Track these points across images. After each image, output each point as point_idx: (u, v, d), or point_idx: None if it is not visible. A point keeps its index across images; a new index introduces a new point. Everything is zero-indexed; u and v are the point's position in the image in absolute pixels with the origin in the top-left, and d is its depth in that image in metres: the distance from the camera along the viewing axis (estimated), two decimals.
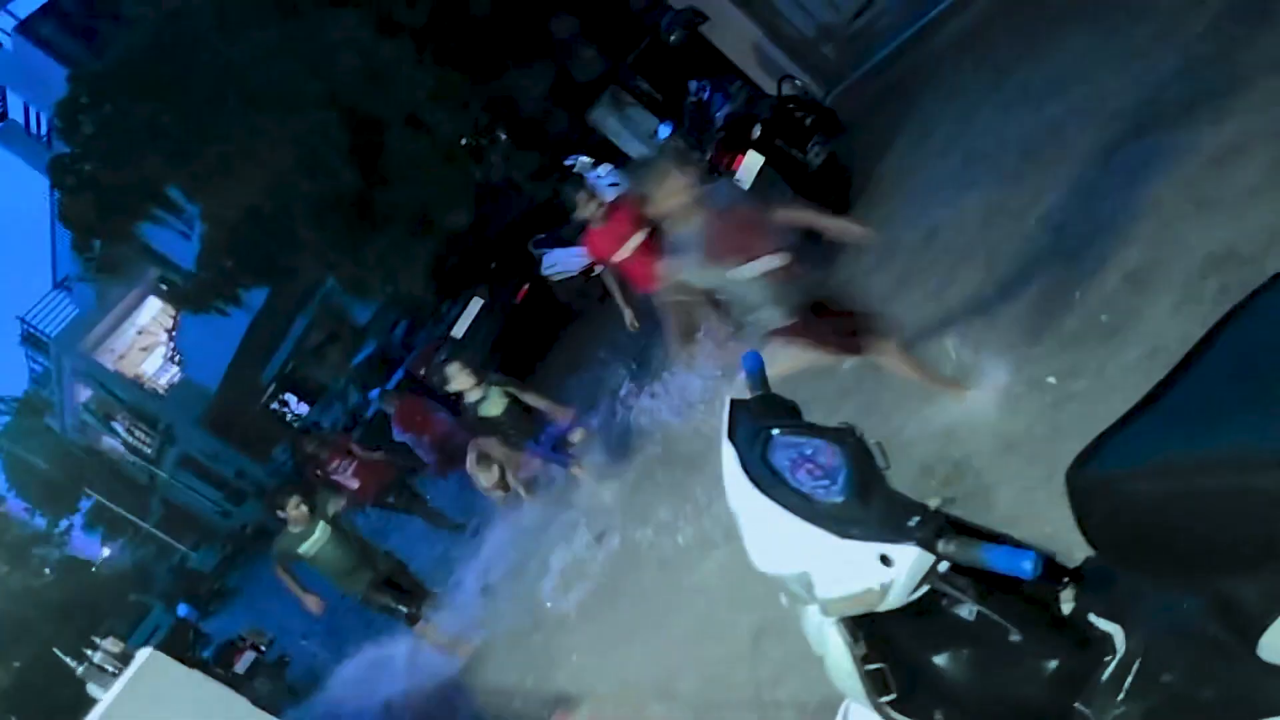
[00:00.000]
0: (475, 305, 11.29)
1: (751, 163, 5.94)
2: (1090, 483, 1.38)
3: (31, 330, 27.31)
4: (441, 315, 11.37)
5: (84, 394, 29.24)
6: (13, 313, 39.16)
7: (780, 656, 3.35)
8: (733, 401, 1.69)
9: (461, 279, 11.50)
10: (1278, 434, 1.18)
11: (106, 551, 34.91)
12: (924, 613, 1.54)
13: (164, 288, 25.16)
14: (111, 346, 27.86)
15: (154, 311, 28.31)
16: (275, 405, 28.88)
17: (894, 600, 1.44)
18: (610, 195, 9.76)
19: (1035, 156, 4.69)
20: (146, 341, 28.54)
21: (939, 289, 4.56)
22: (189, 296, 13.27)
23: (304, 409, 27.84)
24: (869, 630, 1.56)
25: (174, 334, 25.35)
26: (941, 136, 5.94)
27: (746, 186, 6.03)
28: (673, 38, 7.00)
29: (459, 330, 11.15)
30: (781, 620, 3.66)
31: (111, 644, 3.46)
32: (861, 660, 1.56)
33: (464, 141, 11.42)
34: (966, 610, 1.53)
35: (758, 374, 1.80)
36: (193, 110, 10.13)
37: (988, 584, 1.51)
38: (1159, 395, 1.39)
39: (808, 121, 6.49)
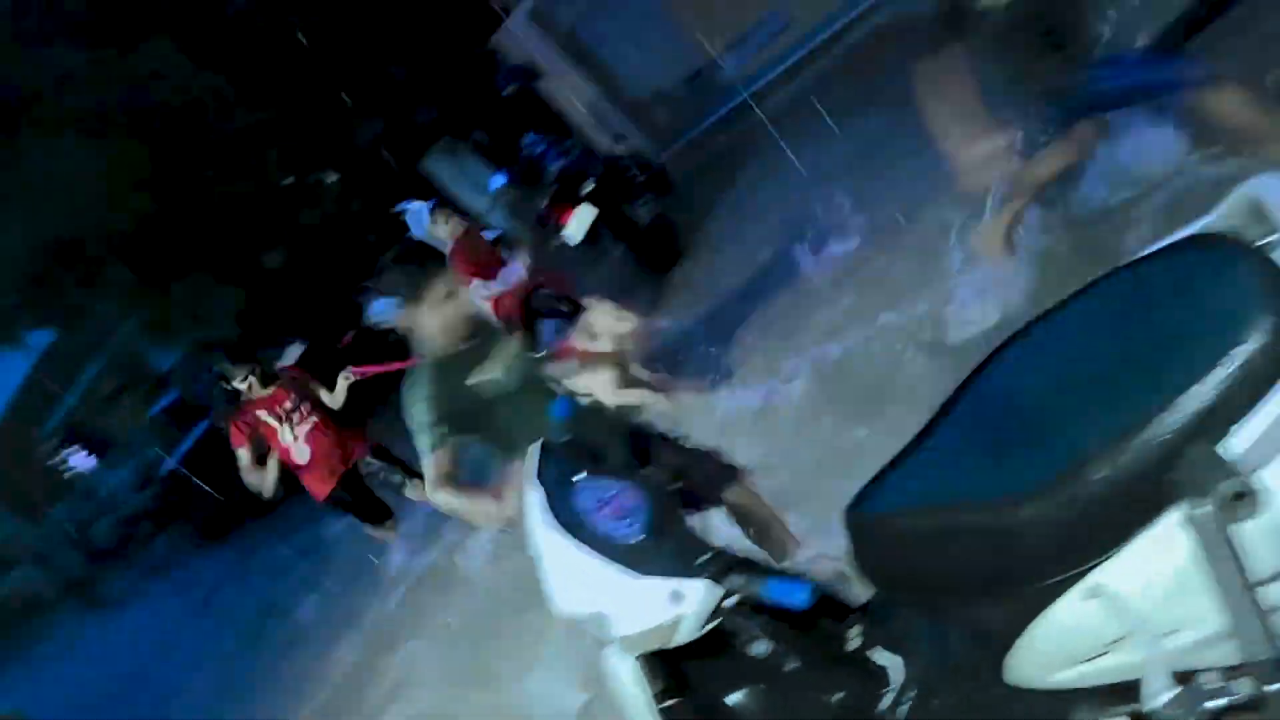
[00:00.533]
0: (294, 352, 10.79)
1: (583, 216, 6.02)
2: (863, 522, 1.52)
3: None
4: (258, 362, 10.74)
5: None
6: None
7: None
8: (543, 444, 1.73)
9: (281, 325, 10.97)
10: (1006, 479, 1.31)
11: None
12: (719, 651, 1.59)
13: None
14: None
15: None
16: (55, 460, 26.25)
17: (684, 635, 1.48)
18: (443, 245, 9.67)
19: (842, 219, 4.99)
20: None
21: (757, 336, 4.75)
22: None
23: (91, 463, 25.48)
24: (665, 669, 1.60)
25: None
26: (763, 200, 6.24)
27: (577, 240, 6.10)
28: (505, 91, 7.05)
29: None
30: None
31: None
32: (657, 697, 1.59)
33: (286, 180, 11.00)
34: (760, 647, 1.58)
35: (565, 420, 1.84)
36: None
37: (779, 621, 1.57)
38: (920, 442, 1.55)
39: (639, 180, 6.67)
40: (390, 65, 11.85)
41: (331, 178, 11.56)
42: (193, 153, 9.83)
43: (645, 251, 6.27)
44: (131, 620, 12.57)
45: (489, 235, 8.12)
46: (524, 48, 8.13)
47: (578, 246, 6.26)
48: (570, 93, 8.39)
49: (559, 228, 6.14)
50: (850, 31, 7.04)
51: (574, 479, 1.63)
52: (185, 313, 10.19)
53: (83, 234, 9.81)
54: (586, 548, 1.51)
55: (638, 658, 1.58)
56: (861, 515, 1.55)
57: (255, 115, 9.82)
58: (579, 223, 6.01)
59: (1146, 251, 1.34)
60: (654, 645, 1.50)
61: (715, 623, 1.49)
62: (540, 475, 1.65)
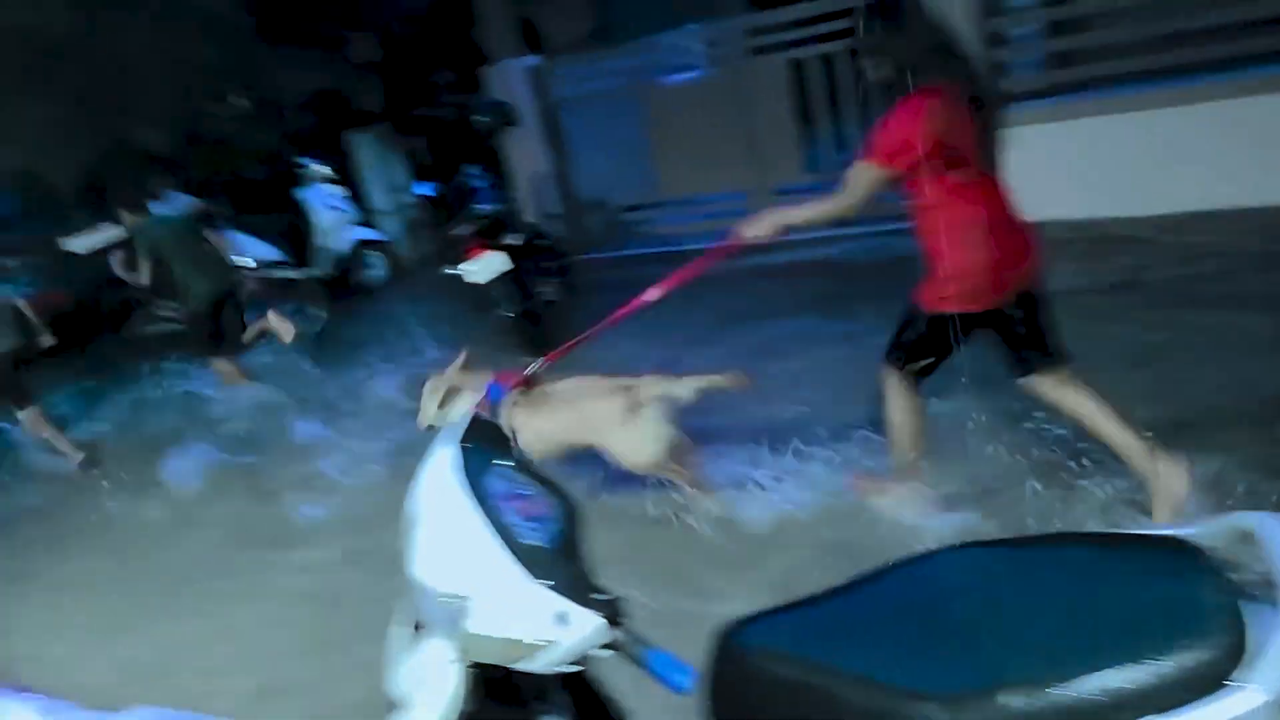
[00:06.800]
0: (114, 234, 9.83)
1: (494, 263, 5.93)
2: (736, 650, 1.48)
3: None
4: (70, 221, 9.70)
5: None
6: None
7: None
8: (476, 415, 1.62)
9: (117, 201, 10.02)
10: (914, 668, 1.32)
11: None
12: (521, 704, 1.50)
13: None
14: None
15: None
16: None
17: (542, 663, 1.35)
18: (328, 216, 9.25)
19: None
20: None
21: None
22: None
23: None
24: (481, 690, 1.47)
25: None
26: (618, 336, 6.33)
27: (478, 280, 5.98)
28: (480, 118, 7.00)
29: (76, 245, 9.57)
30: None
31: None
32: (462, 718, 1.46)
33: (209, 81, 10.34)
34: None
35: (498, 404, 1.76)
36: None
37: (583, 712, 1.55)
38: (830, 596, 1.54)
39: (548, 263, 6.69)
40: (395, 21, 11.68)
41: (245, 103, 10.97)
42: None
43: (527, 326, 6.19)
44: None
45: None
46: (507, 93, 8.16)
47: (460, 284, 6.13)
48: (527, 155, 8.43)
49: (461, 259, 6.01)
50: (794, 249, 7.49)
51: (495, 460, 1.51)
52: (26, 132, 9.15)
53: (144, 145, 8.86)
54: (487, 525, 1.37)
55: (467, 665, 1.44)
56: (738, 643, 1.50)
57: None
58: (487, 267, 5.91)
59: (1137, 530, 1.43)
60: (499, 658, 1.36)
61: (575, 668, 1.38)
62: (463, 440, 1.52)
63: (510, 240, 6.06)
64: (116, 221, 9.58)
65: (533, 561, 1.35)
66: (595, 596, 1.35)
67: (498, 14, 8.24)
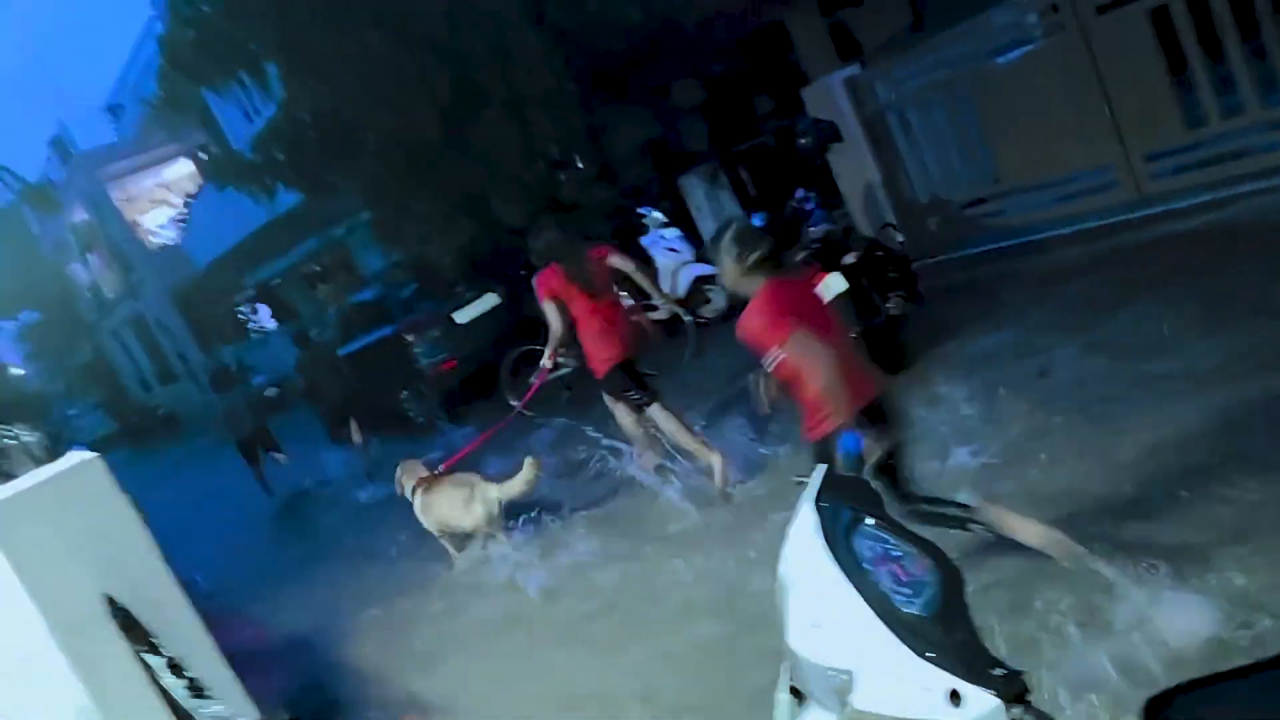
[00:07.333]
0: (488, 301, 11.10)
1: (833, 284, 5.79)
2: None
3: (64, 136, 26.91)
4: (454, 296, 11.14)
5: (78, 215, 28.66)
6: (57, 113, 38.65)
7: None
8: (827, 470, 1.51)
9: (487, 272, 11.32)
10: None
11: (20, 371, 33.78)
12: None
13: (203, 156, 24.90)
14: (125, 185, 27.46)
15: (182, 173, 27.97)
16: (245, 309, 28.25)
17: None
18: (666, 259, 9.69)
19: (1113, 399, 4.53)
20: (160, 196, 28.14)
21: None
22: (225, 169, 12.99)
23: (271, 324, 27.29)
24: None
25: (189, 202, 24.97)
26: (1015, 346, 5.80)
27: None
28: (803, 140, 6.93)
29: (462, 317, 10.92)
30: None
31: (36, 438, 3.09)
32: None
33: (551, 151, 11.34)
34: None
35: (855, 454, 1.64)
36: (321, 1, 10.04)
37: None
38: (1266, 668, 1.33)
39: (891, 275, 6.39)
40: (683, 82, 12.10)
41: (581, 165, 11.84)
42: (484, 88, 10.26)
43: (878, 345, 5.95)
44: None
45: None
46: (828, 109, 8.01)
47: None
48: (855, 168, 8.20)
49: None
50: (1162, 222, 6.52)
51: (861, 520, 1.40)
52: (418, 227, 10.62)
53: (363, 121, 10.41)
54: (859, 596, 1.27)
55: None
56: (1175, 712, 1.29)
57: (552, 76, 10.13)
58: (826, 289, 5.78)
59: None
60: None
61: None
62: (817, 500, 1.42)
63: (849, 259, 5.87)
64: (493, 292, 10.81)
65: (915, 633, 1.24)
66: (992, 672, 1.21)
67: (810, 31, 8.16)
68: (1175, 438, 3.93)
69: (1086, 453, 4.15)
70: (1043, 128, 7.22)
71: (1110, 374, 4.85)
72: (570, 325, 5.56)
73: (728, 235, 3.30)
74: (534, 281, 5.69)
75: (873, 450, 2.86)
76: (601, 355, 5.51)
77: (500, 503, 5.77)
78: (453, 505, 5.90)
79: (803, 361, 2.82)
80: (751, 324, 3.11)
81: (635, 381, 5.54)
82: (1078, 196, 7.34)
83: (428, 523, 6.08)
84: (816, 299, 3.49)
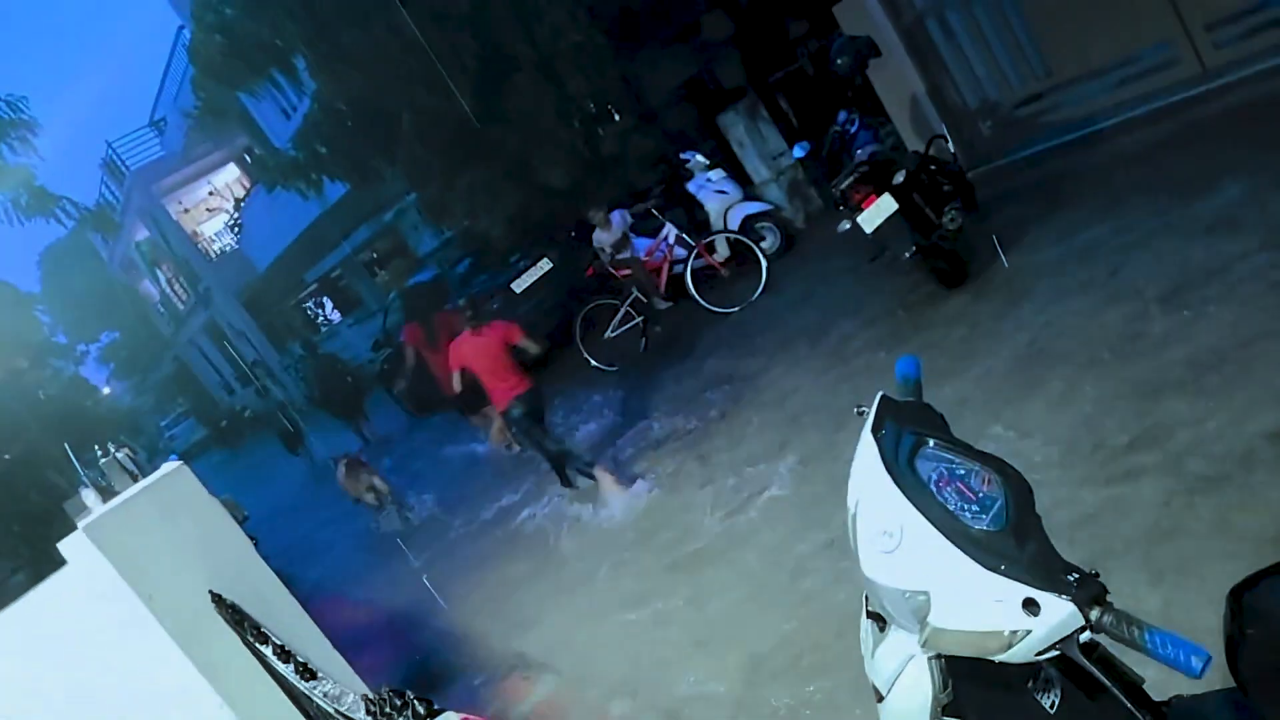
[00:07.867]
0: (543, 267, 11.10)
1: (884, 205, 5.62)
2: (1262, 606, 1.32)
3: (114, 157, 27.63)
4: (509, 266, 11.18)
5: (140, 233, 29.54)
6: (105, 135, 39.69)
7: None
8: (883, 397, 1.50)
9: (538, 238, 11.32)
10: None
11: (108, 390, 35.22)
12: (1007, 686, 1.37)
13: (248, 158, 25.35)
14: (180, 198, 28.16)
15: (230, 178, 28.56)
16: (310, 305, 28.88)
17: (1017, 653, 1.23)
18: (714, 201, 9.56)
19: (1193, 290, 4.33)
20: (214, 204, 28.80)
21: (1056, 396, 4.22)
22: (272, 170, 13.19)
23: (336, 316, 27.86)
24: (950, 681, 1.38)
25: (242, 204, 25.50)
26: (1087, 246, 5.57)
27: (870, 229, 5.73)
28: (839, 61, 6.70)
29: (519, 285, 10.96)
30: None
31: (124, 454, 3.25)
32: (941, 709, 1.37)
33: (586, 106, 11.23)
34: (1049, 700, 1.37)
35: (914, 379, 1.61)
36: None
37: (1082, 685, 1.38)
38: None
39: (945, 188, 6.18)
40: (712, 14, 11.81)
41: (619, 116, 11.69)
42: (514, 54, 10.18)
43: (938, 261, 5.79)
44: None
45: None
46: (864, 24, 7.73)
47: (852, 236, 5.92)
48: (897, 81, 7.93)
49: (856, 211, 5.78)
50: (1231, 92, 6.15)
51: (923, 442, 1.39)
52: (464, 201, 10.66)
53: (398, 105, 10.44)
54: (925, 518, 1.28)
55: (933, 657, 1.35)
56: (1261, 598, 1.33)
57: (580, 32, 9.99)
58: (877, 212, 5.63)
59: None
60: (972, 651, 1.26)
61: (1053, 653, 1.24)
62: (876, 429, 1.42)
63: (899, 178, 5.69)
64: (546, 257, 10.80)
65: (986, 548, 1.25)
66: (1067, 578, 1.20)
67: None
68: None
69: None
70: (1091, 11, 6.87)
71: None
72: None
73: None
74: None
75: None
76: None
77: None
78: None
79: None
80: None
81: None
82: (1136, 79, 6.98)
83: None
84: None
